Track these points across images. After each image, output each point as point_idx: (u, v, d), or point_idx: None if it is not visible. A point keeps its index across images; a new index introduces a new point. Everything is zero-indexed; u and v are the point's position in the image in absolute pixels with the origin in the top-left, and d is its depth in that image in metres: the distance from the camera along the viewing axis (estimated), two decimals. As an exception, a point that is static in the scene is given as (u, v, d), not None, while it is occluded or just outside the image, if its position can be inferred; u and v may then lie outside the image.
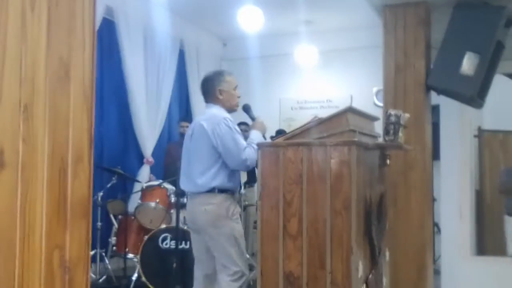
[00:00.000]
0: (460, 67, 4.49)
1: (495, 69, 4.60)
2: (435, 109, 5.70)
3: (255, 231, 7.19)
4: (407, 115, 2.78)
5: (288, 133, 2.79)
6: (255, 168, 6.91)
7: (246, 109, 3.88)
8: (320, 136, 2.68)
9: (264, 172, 2.77)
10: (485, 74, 4.47)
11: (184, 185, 3.59)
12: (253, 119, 3.75)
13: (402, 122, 2.69)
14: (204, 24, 7.55)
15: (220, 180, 3.34)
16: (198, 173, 3.44)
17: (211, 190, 3.40)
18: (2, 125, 1.09)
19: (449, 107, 5.74)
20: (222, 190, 3.38)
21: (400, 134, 2.68)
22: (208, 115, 3.58)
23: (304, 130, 2.74)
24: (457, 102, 5.16)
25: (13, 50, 1.13)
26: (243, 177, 6.17)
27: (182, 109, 7.41)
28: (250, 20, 6.30)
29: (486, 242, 7.40)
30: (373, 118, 3.17)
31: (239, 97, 3.75)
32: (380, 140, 3.09)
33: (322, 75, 7.99)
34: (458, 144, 6.17)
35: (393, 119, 2.68)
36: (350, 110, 2.71)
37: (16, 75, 1.13)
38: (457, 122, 6.18)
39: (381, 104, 7.64)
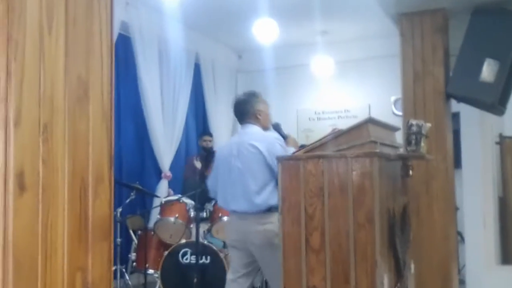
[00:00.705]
0: (480, 74, 4.43)
1: (515, 75, 4.53)
2: (455, 117, 5.62)
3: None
4: (428, 124, 2.73)
5: (308, 145, 2.76)
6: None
7: (277, 127, 3.95)
8: (341, 148, 2.64)
9: (284, 186, 2.73)
10: (506, 81, 4.41)
11: (236, 205, 3.56)
12: (284, 137, 3.78)
13: (423, 132, 2.64)
14: (219, 37, 7.56)
15: (275, 198, 3.34)
16: (254, 193, 3.45)
17: (269, 209, 3.43)
18: (22, 146, 1.08)
19: (469, 114, 5.66)
20: (276, 209, 3.39)
21: (422, 144, 2.64)
22: (257, 136, 3.61)
23: (324, 143, 2.70)
24: (477, 109, 5.10)
25: (32, 70, 1.12)
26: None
27: (199, 123, 7.41)
28: (265, 32, 6.29)
29: (511, 251, 7.26)
30: (394, 128, 3.12)
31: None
32: (401, 150, 3.04)
33: (339, 85, 7.95)
34: (479, 151, 6.08)
35: (414, 129, 2.63)
36: (371, 121, 2.67)
37: (35, 94, 1.12)
38: (478, 129, 6.09)
39: (399, 113, 7.59)
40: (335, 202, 2.61)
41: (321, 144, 2.71)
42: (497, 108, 4.51)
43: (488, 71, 4.40)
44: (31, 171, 1.10)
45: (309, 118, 8.19)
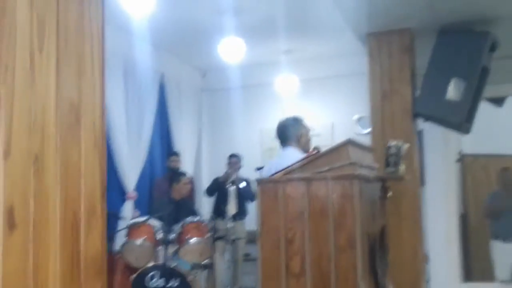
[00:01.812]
0: (446, 93, 4.48)
1: (481, 94, 4.60)
2: (419, 135, 5.69)
3: (245, 263, 7.09)
4: (406, 145, 2.72)
5: (287, 167, 2.70)
6: (245, 202, 6.83)
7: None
8: (320, 170, 2.59)
9: (263, 209, 2.66)
10: (472, 100, 4.48)
11: None
12: None
13: (402, 153, 2.63)
14: (183, 56, 7.50)
15: None
16: None
17: None
18: (12, 179, 0.98)
19: (432, 133, 5.75)
20: None
21: (401, 165, 2.62)
22: (295, 159, 3.58)
23: (303, 165, 2.65)
24: (440, 127, 5.16)
25: (22, 95, 1.03)
26: (232, 210, 6.07)
27: (164, 142, 7.29)
28: (231, 51, 6.25)
29: (473, 267, 7.37)
30: (370, 150, 3.11)
31: None
32: (377, 171, 3.03)
33: (303, 104, 7.95)
34: (443, 169, 6.18)
35: (393, 150, 2.62)
36: (350, 142, 2.64)
37: (26, 122, 1.03)
38: (441, 147, 6.19)
39: (362, 132, 7.67)
40: (315, 225, 2.56)
41: (301, 166, 2.66)
42: (463, 126, 4.57)
43: (454, 90, 4.46)
44: (22, 206, 1.00)
45: (273, 137, 8.14)
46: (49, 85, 1.09)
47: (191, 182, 6.70)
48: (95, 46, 1.20)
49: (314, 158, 2.65)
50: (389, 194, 2.79)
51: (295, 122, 3.89)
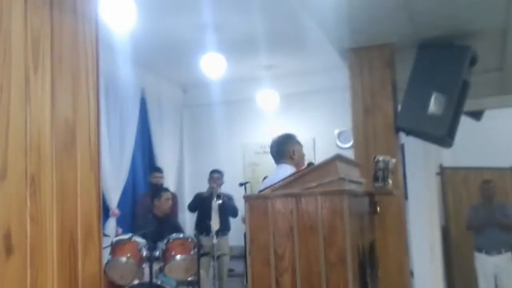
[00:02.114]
0: (428, 108, 4.52)
1: (462, 108, 4.66)
2: (400, 149, 5.73)
3: (229, 279, 7.03)
4: (393, 160, 2.72)
5: (276, 183, 2.69)
6: (227, 217, 6.78)
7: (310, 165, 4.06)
8: (309, 186, 2.58)
9: (252, 226, 2.64)
10: (453, 113, 4.52)
11: None
12: None
13: (390, 167, 2.63)
14: (164, 72, 7.49)
15: None
16: None
17: None
18: (8, 202, 0.95)
19: (413, 146, 5.79)
20: None
21: (389, 180, 2.62)
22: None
23: (292, 180, 2.64)
24: (421, 141, 5.20)
25: (17, 115, 1.00)
26: (215, 225, 6.02)
27: (146, 158, 7.23)
28: (212, 67, 6.25)
29: (456, 279, 7.42)
30: (357, 165, 3.11)
31: None
32: (363, 186, 3.03)
33: (284, 119, 7.98)
34: (424, 182, 6.22)
35: (381, 165, 2.62)
36: (338, 158, 2.64)
37: (21, 142, 0.99)
38: (422, 160, 6.24)
39: (343, 146, 7.71)
40: (305, 241, 2.54)
41: (289, 181, 2.64)
42: (445, 140, 4.61)
43: (435, 104, 4.50)
44: (18, 230, 0.97)
45: (255, 152, 8.16)
46: (44, 105, 1.06)
47: (173, 197, 6.64)
48: (89, 64, 1.18)
49: (303, 174, 2.64)
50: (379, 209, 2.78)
51: (288, 139, 3.95)
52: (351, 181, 2.72)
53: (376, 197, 2.82)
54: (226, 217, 6.81)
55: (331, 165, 2.59)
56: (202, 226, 6.33)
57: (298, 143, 3.93)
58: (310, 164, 4.05)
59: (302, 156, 3.88)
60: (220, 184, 6.85)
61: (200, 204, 6.79)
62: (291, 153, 3.79)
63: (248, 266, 2.64)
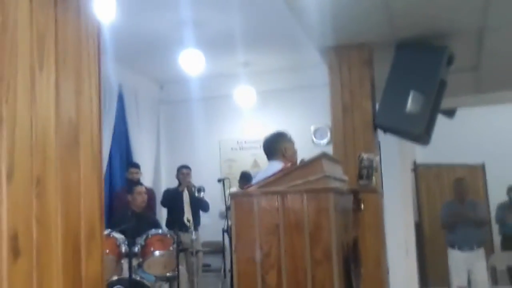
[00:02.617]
0: (405, 106, 4.58)
1: (439, 106, 4.73)
2: (376, 146, 5.78)
3: (205, 275, 7.01)
4: (377, 158, 2.76)
5: (261, 181, 2.69)
6: (198, 212, 6.75)
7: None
8: (295, 184, 2.60)
9: (238, 223, 2.65)
10: (430, 112, 4.60)
11: None
12: None
13: (374, 165, 2.67)
14: (141, 68, 7.43)
15: None
16: None
17: None
18: (15, 204, 0.93)
19: (388, 143, 5.86)
20: None
21: (373, 178, 2.66)
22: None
23: (278, 178, 2.65)
24: (395, 138, 5.27)
25: (23, 114, 0.98)
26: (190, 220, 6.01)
27: (123, 154, 7.17)
28: (190, 63, 6.21)
29: (429, 274, 7.55)
30: (339, 162, 3.14)
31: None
32: (347, 183, 3.06)
33: (261, 115, 7.99)
34: (399, 179, 6.30)
35: (366, 163, 2.65)
36: (324, 156, 2.66)
37: (27, 142, 0.98)
38: (397, 157, 6.32)
39: (319, 142, 7.77)
40: (291, 239, 2.56)
41: (275, 179, 2.65)
42: (423, 138, 4.68)
43: (413, 103, 4.56)
44: (25, 232, 0.95)
45: (232, 148, 8.16)
46: (49, 104, 1.05)
47: (150, 193, 6.60)
48: (92, 64, 1.16)
49: (289, 172, 2.66)
50: (363, 206, 2.82)
51: (279, 137, 3.98)
52: (336, 179, 2.75)
53: (360, 195, 2.85)
54: (198, 212, 6.80)
55: (317, 163, 2.61)
56: (174, 222, 6.25)
57: (290, 140, 3.96)
58: (302, 161, 4.06)
59: (294, 153, 3.90)
60: (189, 179, 6.83)
61: (171, 200, 6.75)
62: (283, 151, 3.82)
63: (234, 263, 2.64)
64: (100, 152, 1.17)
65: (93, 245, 1.12)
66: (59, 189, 1.05)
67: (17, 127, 0.96)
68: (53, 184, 1.03)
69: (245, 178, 6.97)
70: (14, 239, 0.93)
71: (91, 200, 1.13)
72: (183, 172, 6.84)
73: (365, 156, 2.68)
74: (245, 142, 8.11)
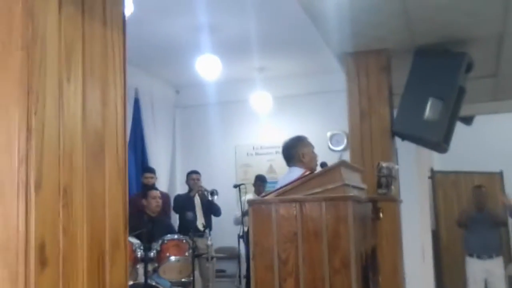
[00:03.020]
0: (424, 113, 4.55)
1: (457, 114, 4.70)
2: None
3: (220, 280, 7.01)
4: (396, 166, 2.74)
5: (279, 188, 2.69)
6: (210, 216, 6.74)
7: (324, 165, 4.00)
8: (314, 192, 2.59)
9: (256, 230, 2.64)
10: (449, 119, 4.56)
11: None
12: None
13: (393, 174, 2.65)
14: (158, 72, 7.47)
15: None
16: None
17: None
18: (43, 214, 0.94)
19: (406, 150, 5.82)
20: None
21: (392, 187, 2.64)
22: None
23: (296, 186, 2.65)
24: (413, 145, 5.23)
25: (52, 125, 0.99)
26: (200, 226, 6.01)
27: (138, 158, 7.21)
28: (206, 68, 6.24)
29: (446, 282, 7.48)
30: (361, 170, 3.12)
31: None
32: (365, 191, 3.04)
33: (277, 121, 7.99)
34: (416, 186, 6.26)
35: (385, 171, 2.63)
36: (343, 164, 2.65)
37: (54, 153, 0.99)
38: (414, 164, 6.28)
39: (335, 149, 7.74)
40: (309, 247, 2.55)
41: (294, 187, 2.65)
42: (441, 146, 4.64)
43: (432, 110, 4.52)
44: (52, 242, 0.96)
45: (247, 154, 8.15)
46: (76, 114, 1.06)
47: (165, 198, 6.61)
48: (117, 73, 1.17)
49: (308, 179, 2.65)
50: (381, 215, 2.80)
51: (297, 141, 3.94)
52: (355, 187, 2.74)
53: (379, 203, 2.84)
54: (209, 216, 6.80)
55: (336, 171, 2.60)
56: (187, 228, 6.23)
57: (309, 145, 3.92)
58: (323, 164, 4.02)
59: (313, 157, 3.86)
60: (199, 184, 6.83)
61: (183, 205, 6.75)
62: (300, 156, 3.79)
63: (251, 271, 2.64)
64: (125, 161, 1.18)
65: (118, 254, 1.13)
66: (85, 199, 1.05)
67: (45, 137, 0.97)
68: (79, 194, 1.04)
69: (260, 181, 6.97)
70: (41, 248, 0.93)
71: (116, 209, 1.14)
72: (192, 177, 6.84)
73: (384, 164, 2.66)
74: (261, 147, 8.11)
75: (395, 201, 2.79)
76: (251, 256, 2.65)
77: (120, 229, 1.14)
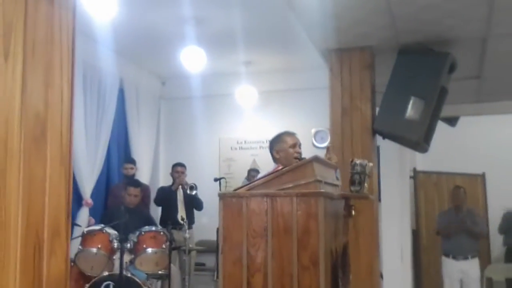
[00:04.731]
0: (405, 112, 4.53)
1: (439, 114, 4.68)
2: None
3: (199, 273, 6.97)
4: (370, 164, 2.71)
5: (251, 183, 2.65)
6: (192, 210, 6.69)
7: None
8: (285, 187, 2.55)
9: (226, 224, 2.60)
10: (430, 119, 4.54)
11: None
12: None
13: (367, 171, 2.62)
14: (144, 64, 7.40)
15: None
16: None
17: None
18: (-31, 198, 0.89)
19: (388, 149, 5.81)
20: None
21: (366, 184, 2.61)
22: None
23: (268, 180, 2.61)
24: (396, 144, 5.21)
25: (-16, 106, 0.94)
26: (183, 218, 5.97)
27: (121, 149, 7.13)
28: (192, 60, 6.18)
29: (423, 283, 7.49)
30: (334, 167, 3.09)
31: (298, 152, 3.78)
32: (339, 188, 3.02)
33: (261, 116, 7.95)
34: (397, 185, 6.25)
35: (358, 168, 2.60)
36: (316, 159, 2.61)
37: (-13, 136, 0.94)
38: (396, 163, 6.27)
39: (320, 145, 7.71)
40: (279, 242, 2.51)
41: (265, 181, 2.61)
42: (421, 145, 4.63)
43: (413, 109, 4.51)
44: (-20, 228, 0.92)
45: (231, 147, 8.11)
46: (14, 95, 1.01)
47: (146, 189, 6.56)
48: (64, 55, 1.12)
49: (279, 174, 2.61)
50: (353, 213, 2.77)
51: (273, 139, 3.88)
52: (327, 183, 2.71)
53: (352, 201, 2.81)
54: (192, 210, 6.75)
55: (308, 167, 2.56)
56: (168, 220, 6.20)
57: (282, 141, 3.80)
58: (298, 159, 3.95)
59: (289, 154, 3.71)
60: (184, 177, 6.78)
61: (165, 198, 6.69)
62: (275, 153, 3.76)
63: (220, 265, 2.61)
64: (70, 147, 1.13)
65: (57, 244, 1.08)
66: (22, 184, 1.01)
67: (-23, 118, 0.93)
68: (15, 179, 0.99)
69: (251, 175, 6.94)
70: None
71: (57, 196, 1.09)
72: (177, 170, 6.78)
73: (357, 161, 2.63)
74: (245, 142, 8.07)
75: (367, 198, 2.76)
76: (220, 251, 2.62)
77: (61, 218, 1.10)
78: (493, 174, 7.87)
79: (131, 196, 5.76)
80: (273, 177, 2.62)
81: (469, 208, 6.77)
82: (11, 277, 0.98)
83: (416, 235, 7.61)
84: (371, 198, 2.79)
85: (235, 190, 2.73)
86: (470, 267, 6.31)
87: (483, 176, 8.02)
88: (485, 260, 7.20)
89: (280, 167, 2.84)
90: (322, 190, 2.51)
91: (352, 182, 2.63)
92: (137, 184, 5.99)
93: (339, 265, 2.70)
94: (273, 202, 2.53)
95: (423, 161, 8.07)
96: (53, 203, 1.08)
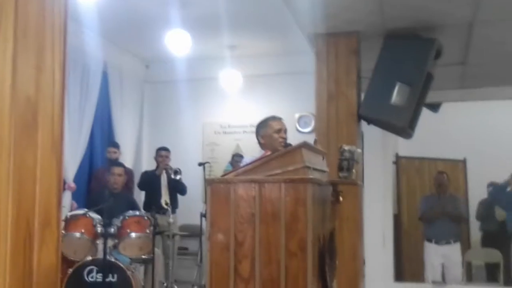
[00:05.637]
0: (391, 98, 4.53)
1: (424, 100, 4.70)
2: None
3: (181, 258, 6.96)
4: (359, 150, 2.71)
5: (239, 168, 2.63)
6: (176, 194, 6.66)
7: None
8: (274, 173, 2.54)
9: (213, 210, 2.58)
10: (415, 105, 4.56)
11: None
12: None
13: (355, 157, 2.61)
14: (128, 46, 7.28)
15: None
16: None
17: None
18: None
19: (372, 134, 5.83)
20: None
21: (354, 170, 2.60)
22: None
23: (256, 166, 2.59)
24: (379, 130, 5.23)
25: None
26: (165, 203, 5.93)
27: (104, 133, 7.05)
28: (177, 43, 6.10)
29: (405, 268, 7.57)
30: (322, 153, 3.08)
31: (283, 138, 3.77)
32: (327, 174, 3.01)
33: (245, 100, 7.90)
34: (380, 170, 6.29)
35: (347, 155, 2.60)
36: (304, 145, 2.60)
37: (-25, 122, 0.90)
38: (379, 148, 6.30)
39: (303, 130, 7.71)
40: (266, 228, 2.50)
41: (254, 167, 2.59)
42: (406, 131, 4.65)
43: (399, 95, 4.51)
44: (-30, 218, 0.88)
45: (215, 132, 8.06)
46: (4, 79, 0.97)
47: (129, 174, 6.50)
48: (56, 40, 1.08)
49: (268, 160, 2.59)
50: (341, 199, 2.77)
51: (259, 124, 3.86)
52: (316, 170, 2.69)
53: (340, 187, 2.80)
54: (175, 195, 6.72)
55: (297, 153, 2.55)
56: (152, 205, 6.16)
57: (265, 126, 3.78)
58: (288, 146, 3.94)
59: (274, 139, 3.69)
60: (168, 161, 6.73)
61: (149, 182, 6.64)
62: (260, 139, 3.75)
63: (207, 251, 2.59)
64: (62, 133, 1.10)
65: (48, 234, 1.05)
66: (12, 172, 0.97)
67: (-35, 103, 0.89)
68: (5, 167, 0.96)
69: (235, 160, 6.92)
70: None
71: (48, 185, 1.06)
72: (161, 154, 6.72)
73: (346, 148, 2.62)
74: (228, 126, 8.02)
75: (355, 184, 2.76)
76: (206, 236, 2.60)
77: (52, 206, 1.07)
78: (474, 160, 7.96)
79: (115, 175, 5.70)
80: (262, 162, 2.60)
81: (452, 193, 6.84)
82: (1, 269, 0.95)
83: (397, 220, 7.67)
84: (359, 184, 2.79)
85: (223, 175, 2.70)
86: (452, 252, 6.39)
87: (464, 161, 8.10)
88: (465, 245, 7.30)
89: (269, 153, 2.81)
90: (310, 177, 2.50)
91: (341, 168, 2.62)
92: (121, 164, 5.95)
93: (326, 251, 2.70)
94: (261, 188, 2.51)
95: (405, 147, 8.11)
96: (44, 192, 1.05)
